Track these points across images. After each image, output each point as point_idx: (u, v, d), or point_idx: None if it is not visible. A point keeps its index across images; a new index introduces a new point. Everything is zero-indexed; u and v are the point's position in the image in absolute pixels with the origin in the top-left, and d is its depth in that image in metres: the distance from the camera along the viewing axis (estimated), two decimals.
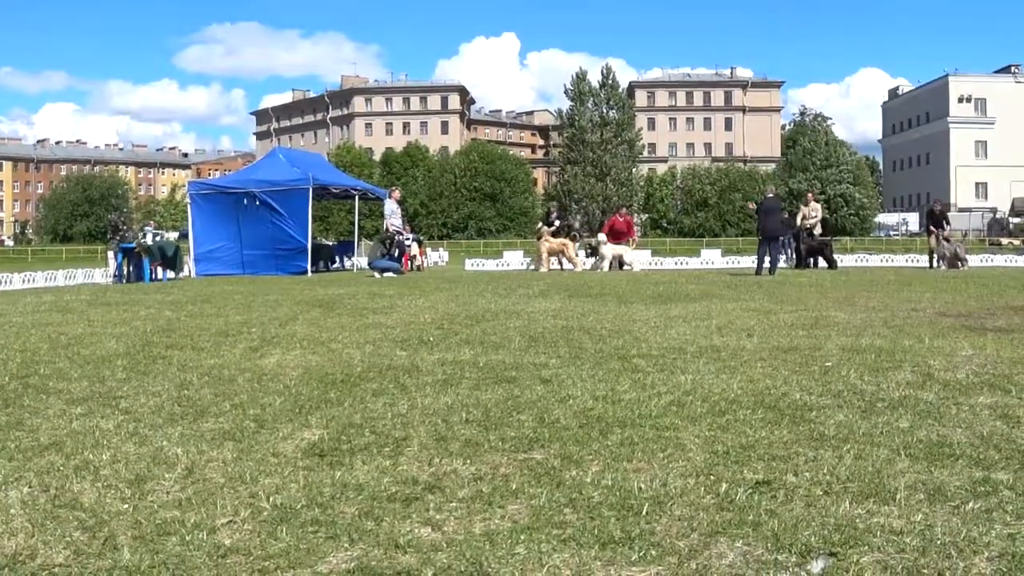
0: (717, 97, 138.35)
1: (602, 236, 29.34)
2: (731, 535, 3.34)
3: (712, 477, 4.05)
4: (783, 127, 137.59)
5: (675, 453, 4.48)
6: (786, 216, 30.18)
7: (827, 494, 3.79)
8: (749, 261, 31.71)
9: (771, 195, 26.28)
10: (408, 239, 35.46)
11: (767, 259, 23.82)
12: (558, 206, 33.81)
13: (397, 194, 29.13)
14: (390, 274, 25.24)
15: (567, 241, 29.71)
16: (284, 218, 26.98)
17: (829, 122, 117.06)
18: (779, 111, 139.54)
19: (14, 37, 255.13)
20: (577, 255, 29.73)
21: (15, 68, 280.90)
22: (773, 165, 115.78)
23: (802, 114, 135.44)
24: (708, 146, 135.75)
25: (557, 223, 30.01)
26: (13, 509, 3.82)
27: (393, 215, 27.97)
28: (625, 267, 28.64)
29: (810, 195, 33.51)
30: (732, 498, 3.74)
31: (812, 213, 30.29)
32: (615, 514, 3.57)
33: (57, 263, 54.86)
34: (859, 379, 6.54)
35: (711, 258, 37.16)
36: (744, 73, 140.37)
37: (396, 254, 27.41)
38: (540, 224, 29.79)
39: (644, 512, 3.58)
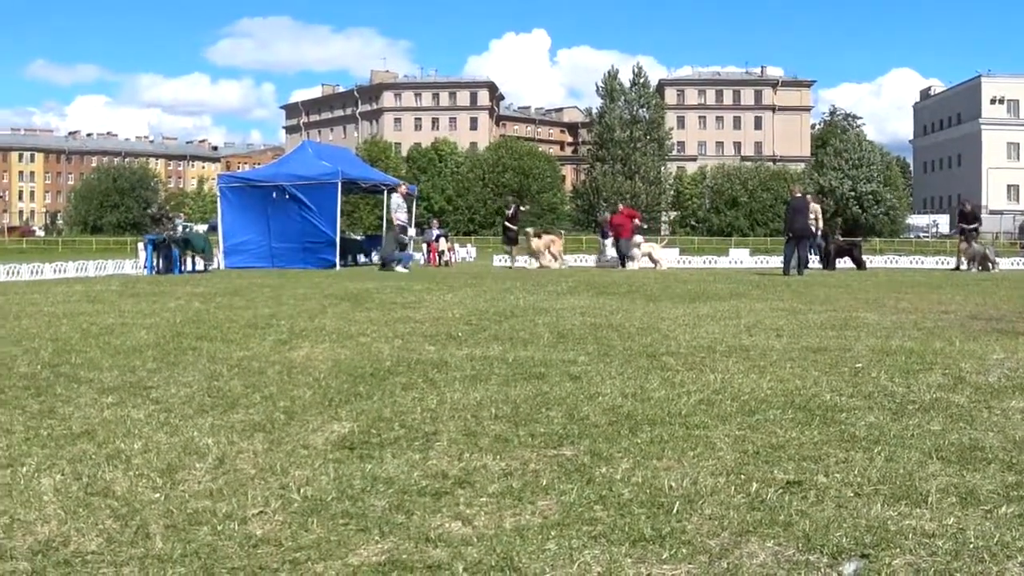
0: (747, 96, 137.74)
1: (638, 238, 29.42)
2: (762, 535, 3.33)
3: (742, 476, 4.04)
4: (813, 127, 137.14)
5: (705, 452, 4.47)
6: (813, 218, 30.03)
7: (858, 496, 3.77)
8: (778, 261, 31.57)
9: (799, 194, 26.17)
10: (435, 234, 35.54)
11: (794, 259, 23.72)
12: (515, 200, 33.80)
13: (403, 189, 29.13)
14: (401, 268, 25.37)
15: (554, 237, 30.07)
16: (313, 212, 27.05)
17: (860, 122, 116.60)
18: (809, 111, 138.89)
19: (47, 30, 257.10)
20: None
21: (48, 60, 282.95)
22: (803, 165, 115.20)
23: (832, 114, 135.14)
24: (737, 145, 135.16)
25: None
26: (46, 496, 3.86)
27: (399, 209, 27.99)
28: (635, 264, 28.78)
29: (808, 197, 33.52)
30: (763, 498, 3.73)
31: (811, 216, 30.25)
32: (645, 512, 3.57)
33: (87, 254, 55.19)
34: (890, 381, 6.50)
35: (740, 257, 37.02)
36: (774, 72, 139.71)
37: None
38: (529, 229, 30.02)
39: (674, 510, 3.57)
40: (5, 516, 3.61)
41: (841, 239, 29.15)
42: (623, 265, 29.61)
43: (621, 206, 33.83)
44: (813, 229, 29.45)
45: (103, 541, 3.35)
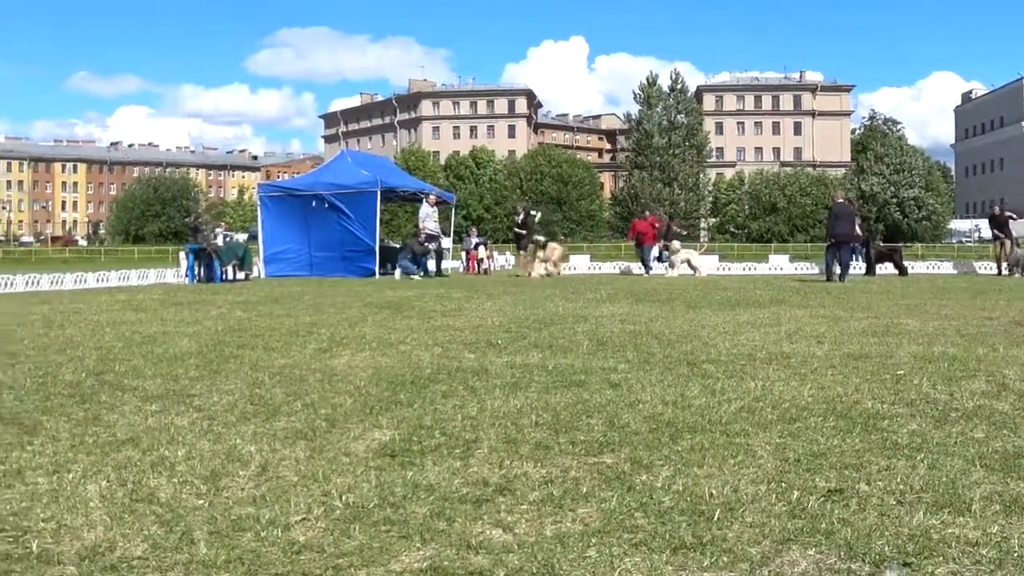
0: (786, 101, 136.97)
1: (676, 244, 29.27)
2: (803, 543, 3.32)
3: (783, 484, 4.03)
4: (853, 131, 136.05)
5: (746, 459, 4.46)
6: (860, 221, 29.88)
7: (901, 504, 3.75)
8: (817, 267, 31.39)
9: (840, 200, 26.02)
10: (474, 242, 35.61)
11: (836, 265, 23.59)
12: (526, 206, 32.93)
13: (432, 198, 29.15)
14: (416, 277, 25.40)
15: (556, 246, 29.77)
16: (352, 220, 27.17)
17: (900, 127, 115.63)
18: (849, 115, 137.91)
19: (90, 42, 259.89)
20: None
21: (91, 72, 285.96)
22: (843, 170, 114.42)
23: (872, 118, 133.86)
24: (776, 150, 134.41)
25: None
26: (92, 502, 3.91)
27: (427, 218, 28.04)
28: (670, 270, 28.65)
29: (850, 202, 33.54)
30: (804, 506, 3.72)
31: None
32: (686, 519, 3.57)
33: (129, 263, 55.68)
34: (932, 388, 6.46)
35: (780, 263, 36.79)
36: (814, 77, 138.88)
37: (425, 257, 27.70)
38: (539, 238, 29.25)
39: (715, 518, 3.57)
40: (52, 522, 3.66)
41: (882, 244, 28.87)
42: (647, 271, 29.56)
43: (648, 213, 33.60)
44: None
45: (148, 547, 3.39)
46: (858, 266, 29.52)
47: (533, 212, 30.80)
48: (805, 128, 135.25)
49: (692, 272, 28.51)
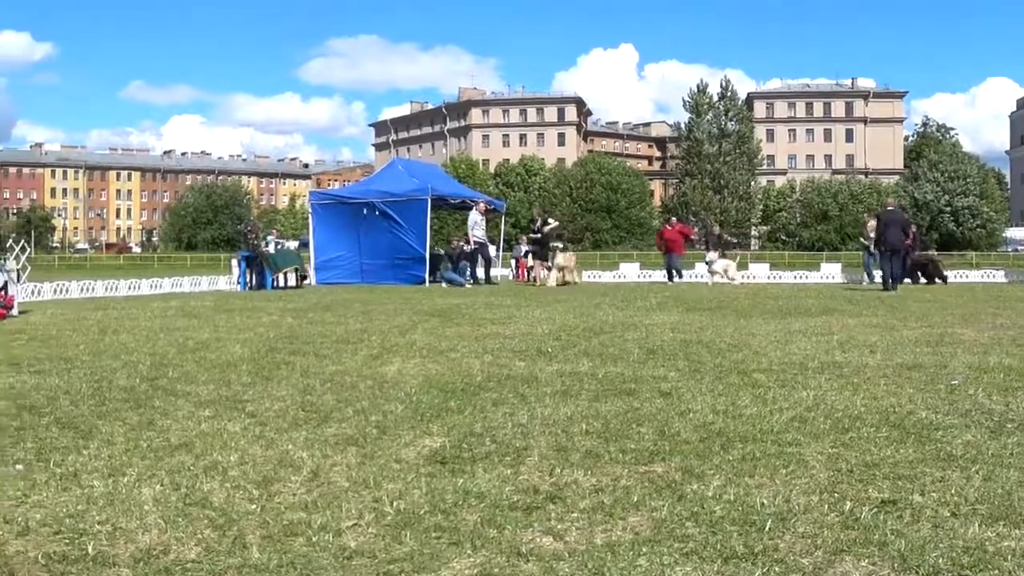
0: (838, 108, 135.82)
1: (712, 255, 29.06)
2: (856, 554, 3.30)
3: (836, 495, 4.00)
4: (906, 138, 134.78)
5: (798, 469, 4.43)
6: (914, 229, 29.58)
7: (955, 515, 3.71)
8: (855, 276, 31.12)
9: (891, 207, 25.79)
10: (524, 250, 35.59)
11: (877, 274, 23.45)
12: (542, 213, 31.72)
13: (482, 206, 29.14)
14: (466, 285, 25.40)
15: (571, 255, 29.53)
16: (403, 228, 27.29)
17: (954, 133, 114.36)
18: (902, 122, 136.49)
19: (145, 52, 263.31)
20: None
21: (145, 82, 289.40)
22: (896, 177, 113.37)
23: (925, 125, 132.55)
24: (828, 158, 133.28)
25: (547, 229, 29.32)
26: (147, 506, 3.96)
27: (476, 226, 28.06)
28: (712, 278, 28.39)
29: (866, 215, 33.66)
30: (857, 517, 3.69)
31: (871, 233, 29.88)
32: (737, 529, 3.55)
33: (182, 269, 56.30)
34: (987, 398, 6.38)
35: (831, 272, 36.43)
36: (865, 83, 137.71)
37: (470, 263, 27.68)
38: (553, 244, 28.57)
39: (767, 528, 3.55)
40: (108, 524, 3.71)
41: (917, 254, 28.58)
42: (670, 280, 29.26)
43: (675, 219, 33.24)
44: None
45: (202, 550, 3.43)
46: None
47: (551, 220, 30.20)
48: (857, 135, 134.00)
49: (730, 281, 28.26)
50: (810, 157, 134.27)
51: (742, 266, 34.96)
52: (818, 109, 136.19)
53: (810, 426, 5.41)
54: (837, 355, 8.83)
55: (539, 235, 28.93)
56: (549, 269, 27.18)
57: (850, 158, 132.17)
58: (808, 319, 13.11)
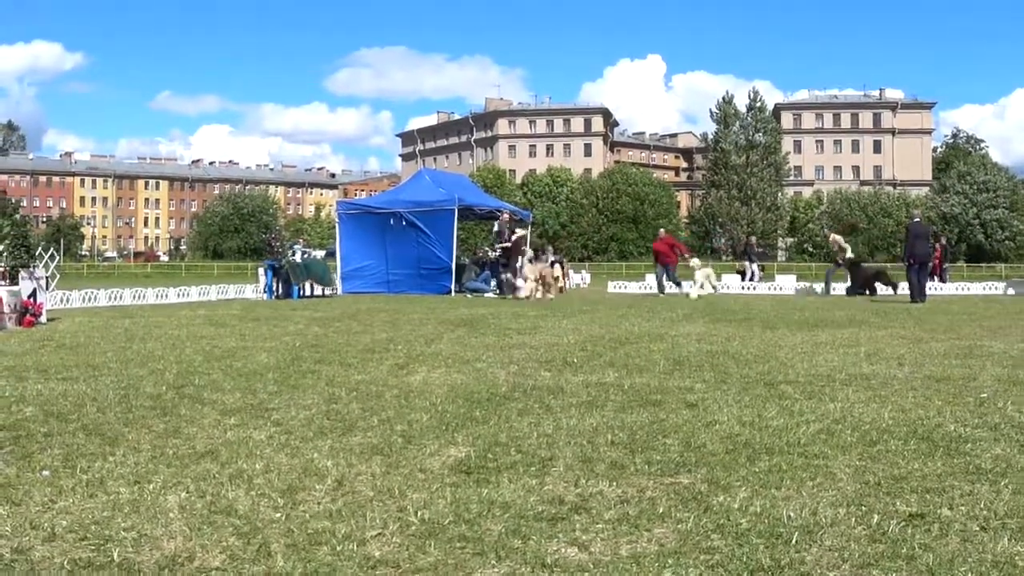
0: (865, 119, 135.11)
1: (695, 262, 28.70)
2: (884, 568, 3.27)
3: (863, 508, 3.97)
4: (935, 149, 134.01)
5: (825, 482, 4.41)
6: (943, 241, 29.49)
7: (984, 530, 3.68)
8: (899, 288, 30.92)
9: (917, 219, 25.65)
10: (550, 260, 35.59)
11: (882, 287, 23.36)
12: (509, 219, 28.36)
13: (506, 217, 29.06)
14: (490, 295, 25.24)
15: (548, 268, 27.43)
16: (429, 238, 27.34)
17: (983, 145, 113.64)
18: (930, 133, 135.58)
19: (174, 62, 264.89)
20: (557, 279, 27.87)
21: (174, 92, 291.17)
22: (924, 189, 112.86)
23: (955, 136, 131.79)
24: (856, 169, 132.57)
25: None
26: (172, 513, 3.97)
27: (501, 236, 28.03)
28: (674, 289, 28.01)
29: (827, 229, 33.54)
30: (884, 530, 3.66)
31: (834, 247, 29.80)
32: (764, 542, 3.53)
33: (209, 278, 56.56)
34: (1017, 411, 6.32)
35: None
36: (894, 94, 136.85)
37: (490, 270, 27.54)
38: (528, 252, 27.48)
39: (793, 541, 3.53)
40: (133, 531, 3.72)
41: (865, 266, 28.91)
42: (661, 292, 28.67)
43: (663, 231, 32.45)
44: (840, 260, 29.20)
45: (226, 558, 3.43)
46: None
47: (519, 229, 28.66)
48: (885, 146, 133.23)
49: (712, 291, 28.00)
50: (837, 168, 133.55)
51: (769, 277, 34.85)
52: (846, 120, 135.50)
53: (837, 438, 5.38)
54: (864, 367, 8.78)
55: (508, 243, 26.99)
56: (536, 281, 25.44)
57: (878, 169, 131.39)
58: (835, 331, 13.04)
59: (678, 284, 29.08)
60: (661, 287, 29.09)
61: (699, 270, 28.02)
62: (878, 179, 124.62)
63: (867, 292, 27.99)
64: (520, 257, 26.37)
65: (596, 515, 3.90)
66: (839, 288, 29.31)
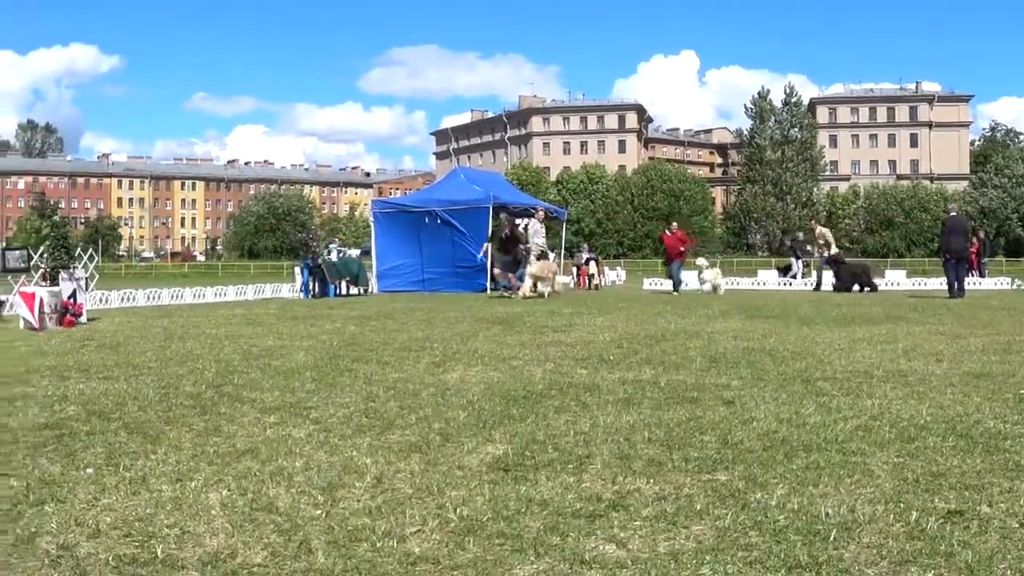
0: (902, 112, 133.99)
1: (701, 260, 27.94)
2: (922, 565, 3.27)
3: (902, 505, 3.96)
4: (972, 143, 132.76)
5: (863, 479, 4.40)
6: (981, 235, 29.22)
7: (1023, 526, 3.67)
8: (937, 283, 30.69)
9: (954, 213, 25.44)
10: (585, 258, 35.57)
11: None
12: (508, 217, 26.51)
13: (541, 214, 28.96)
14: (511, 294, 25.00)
15: (551, 265, 26.15)
16: (464, 236, 27.32)
17: (1022, 137, 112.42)
18: (968, 126, 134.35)
19: (208, 64, 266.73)
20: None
21: (208, 93, 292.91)
22: (963, 183, 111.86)
23: (993, 129, 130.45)
24: (892, 163, 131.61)
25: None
26: (214, 510, 4.02)
27: (537, 234, 27.93)
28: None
29: (813, 222, 33.35)
30: (923, 527, 3.65)
31: (820, 240, 29.45)
32: (802, 539, 3.53)
33: (245, 277, 56.88)
34: None
35: (896, 279, 36.03)
36: (930, 87, 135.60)
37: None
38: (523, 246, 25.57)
39: (831, 538, 3.53)
40: (176, 528, 3.77)
41: (849, 262, 28.59)
42: (675, 290, 27.51)
43: (675, 225, 31.11)
44: (826, 254, 28.87)
45: (268, 554, 3.47)
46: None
47: (519, 222, 27.63)
48: (922, 140, 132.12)
49: (713, 291, 26.99)
50: (874, 163, 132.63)
51: (806, 273, 34.63)
52: (882, 114, 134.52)
53: (875, 435, 5.36)
54: (902, 363, 8.73)
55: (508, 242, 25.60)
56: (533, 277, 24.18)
57: (915, 163, 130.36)
58: (873, 327, 12.97)
59: (677, 284, 27.98)
60: (676, 285, 28.04)
61: (705, 270, 27.46)
62: (915, 173, 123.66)
63: (850, 289, 27.40)
64: (527, 254, 25.12)
65: (634, 512, 3.92)
66: (825, 283, 28.94)
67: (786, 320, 14.32)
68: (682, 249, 27.97)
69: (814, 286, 29.54)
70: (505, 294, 23.78)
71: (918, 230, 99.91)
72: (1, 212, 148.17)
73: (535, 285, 23.61)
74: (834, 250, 29.80)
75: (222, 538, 3.65)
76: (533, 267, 23.87)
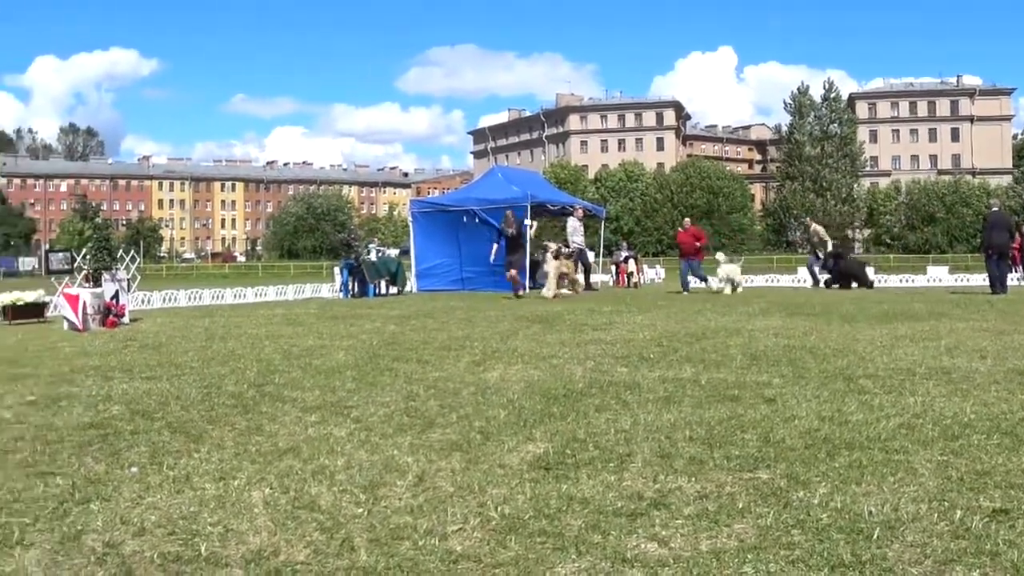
0: (942, 107, 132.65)
1: (721, 256, 27.24)
2: (967, 564, 3.25)
3: (946, 503, 3.93)
4: (1015, 136, 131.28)
5: (906, 477, 4.37)
6: (817, 240, 28.94)
7: None
8: (979, 279, 30.39)
9: (996, 208, 25.16)
10: (624, 256, 35.51)
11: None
12: (514, 215, 25.45)
13: (580, 213, 28.87)
14: (565, 291, 24.87)
15: (569, 262, 24.53)
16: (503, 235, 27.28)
17: None
18: (1010, 119, 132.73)
19: (247, 66, 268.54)
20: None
21: (247, 95, 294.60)
22: (1006, 177, 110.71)
23: None
24: (933, 158, 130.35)
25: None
26: (256, 509, 4.06)
27: (575, 232, 27.84)
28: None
29: (808, 219, 33.02)
30: (967, 526, 3.63)
31: (815, 238, 29.08)
32: (844, 537, 3.52)
33: (285, 277, 57.22)
34: None
35: (938, 275, 35.75)
36: (971, 81, 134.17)
37: (578, 271, 27.21)
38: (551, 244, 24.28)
39: (875, 536, 3.51)
40: (219, 526, 3.82)
41: (844, 261, 28.31)
42: (685, 289, 25.88)
43: (687, 221, 29.48)
44: (820, 253, 28.50)
45: (310, 552, 3.51)
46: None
47: (528, 222, 25.85)
48: (963, 134, 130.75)
49: (732, 290, 26.31)
50: (914, 158, 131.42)
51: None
52: (922, 108, 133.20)
53: (918, 433, 5.32)
54: (945, 360, 8.65)
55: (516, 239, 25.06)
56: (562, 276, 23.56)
57: (956, 158, 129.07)
58: (915, 323, 12.85)
59: (704, 279, 27.20)
60: (685, 284, 26.39)
61: (723, 265, 26.21)
62: (956, 168, 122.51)
63: (841, 285, 27.03)
64: (544, 252, 24.47)
65: (675, 510, 3.92)
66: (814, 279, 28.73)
67: (827, 317, 14.22)
68: (698, 246, 27.17)
69: (812, 284, 29.40)
70: (511, 295, 22.90)
71: (960, 226, 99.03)
72: (44, 215, 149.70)
73: (561, 282, 23.00)
74: (830, 247, 29.41)
75: (265, 536, 3.69)
76: (550, 266, 23.25)
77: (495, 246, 25.19)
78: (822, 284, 28.18)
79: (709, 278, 27.43)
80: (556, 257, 23.51)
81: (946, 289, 27.71)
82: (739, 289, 25.46)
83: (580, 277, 25.09)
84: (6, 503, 4.25)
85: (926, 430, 5.40)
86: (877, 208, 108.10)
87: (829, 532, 3.58)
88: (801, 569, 3.23)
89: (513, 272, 23.54)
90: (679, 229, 29.18)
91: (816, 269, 29.08)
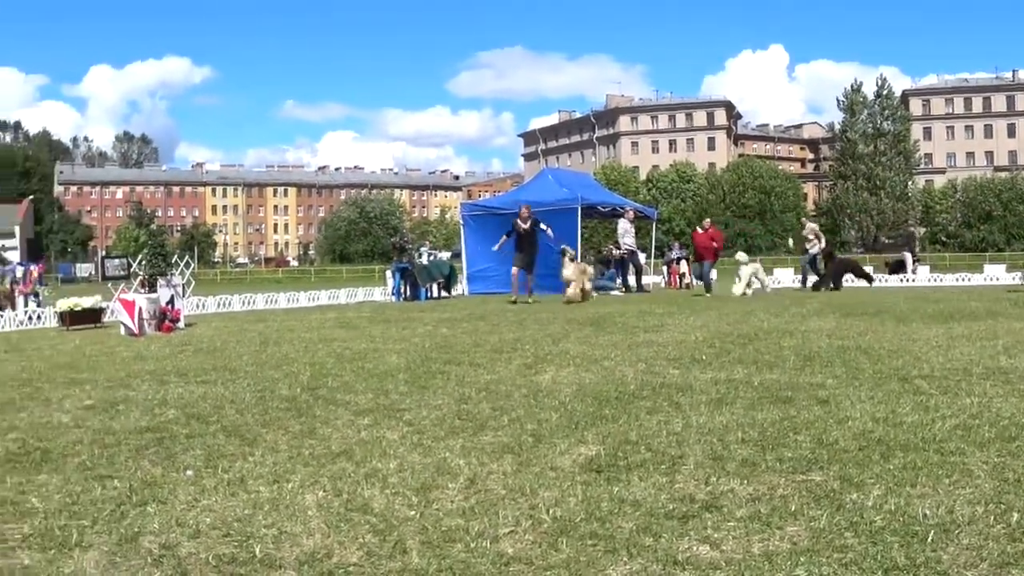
0: (998, 102, 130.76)
1: (742, 255, 26.58)
2: None
3: (1002, 505, 3.88)
4: None
5: (962, 479, 4.32)
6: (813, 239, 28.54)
7: None
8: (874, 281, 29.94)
9: None
10: (676, 256, 35.36)
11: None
12: (528, 210, 23.84)
13: (631, 214, 28.77)
14: (616, 293, 24.76)
15: (586, 266, 24.92)
16: (553, 238, 27.27)
17: None
18: None
19: (297, 72, 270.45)
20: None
21: (298, 101, 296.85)
22: None
23: None
24: (989, 155, 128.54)
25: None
26: (310, 511, 4.10)
27: (626, 234, 27.74)
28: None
29: (804, 219, 32.39)
30: None
31: (809, 236, 28.52)
32: (898, 540, 3.48)
33: (338, 281, 57.51)
34: None
35: (995, 274, 35.20)
36: None
37: (629, 272, 27.19)
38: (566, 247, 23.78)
39: (929, 539, 3.48)
40: (273, 528, 3.85)
41: (840, 258, 27.96)
42: (708, 291, 25.23)
43: (707, 221, 28.20)
44: (814, 251, 27.94)
45: (363, 554, 3.53)
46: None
47: (544, 226, 25.33)
48: (1020, 130, 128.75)
49: (763, 289, 25.89)
50: (970, 155, 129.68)
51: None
52: (977, 104, 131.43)
53: (974, 434, 5.26)
54: (1003, 360, 8.54)
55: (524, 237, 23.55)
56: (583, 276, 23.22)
57: (1013, 154, 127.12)
58: (971, 323, 12.70)
59: (708, 285, 26.04)
60: (708, 286, 25.94)
61: (745, 265, 25.32)
62: (1013, 164, 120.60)
63: (834, 287, 26.40)
64: (562, 256, 23.63)
65: (727, 513, 3.90)
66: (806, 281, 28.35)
67: (882, 317, 14.09)
68: (714, 247, 26.46)
69: (800, 284, 29.23)
70: (516, 298, 22.14)
71: (1017, 223, 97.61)
72: (100, 222, 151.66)
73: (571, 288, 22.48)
74: (823, 244, 28.96)
75: (318, 538, 3.72)
76: (567, 270, 22.93)
77: (504, 237, 24.13)
78: (809, 285, 27.57)
79: (735, 280, 26.49)
80: (572, 260, 23.36)
81: (1003, 288, 27.30)
82: (767, 289, 25.17)
83: (588, 285, 24.37)
84: (65, 505, 4.32)
85: (982, 431, 5.33)
86: (932, 206, 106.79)
87: (883, 535, 3.55)
88: (854, 572, 3.21)
89: (513, 271, 23.06)
90: (696, 229, 28.28)
91: (807, 269, 28.70)
